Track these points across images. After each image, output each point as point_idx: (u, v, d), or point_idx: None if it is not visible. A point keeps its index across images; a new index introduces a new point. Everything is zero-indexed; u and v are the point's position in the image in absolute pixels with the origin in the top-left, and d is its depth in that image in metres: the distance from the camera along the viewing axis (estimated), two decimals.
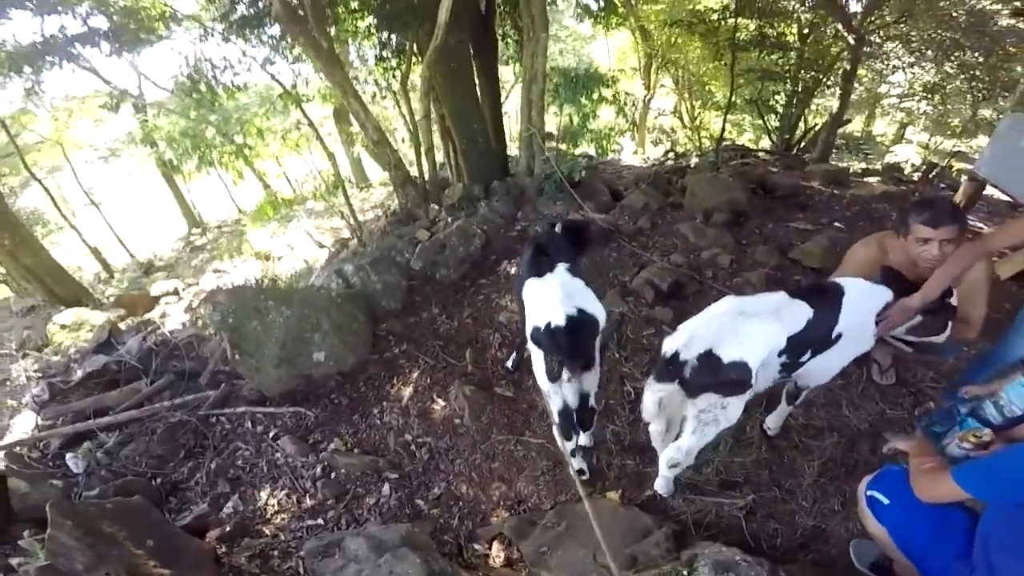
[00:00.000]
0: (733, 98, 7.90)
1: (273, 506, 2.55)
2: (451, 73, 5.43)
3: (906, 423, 2.45)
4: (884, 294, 1.85)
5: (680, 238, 4.30)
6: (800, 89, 8.03)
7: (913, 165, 8.20)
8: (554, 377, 1.91)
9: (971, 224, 4.88)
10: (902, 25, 6.81)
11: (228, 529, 2.35)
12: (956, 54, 6.79)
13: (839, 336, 1.79)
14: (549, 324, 1.90)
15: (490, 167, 6.11)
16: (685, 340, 1.64)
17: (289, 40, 5.92)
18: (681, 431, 1.87)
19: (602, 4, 7.98)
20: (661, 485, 2.17)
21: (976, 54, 6.62)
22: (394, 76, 6.95)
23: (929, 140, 10.61)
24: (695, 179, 5.23)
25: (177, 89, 7.23)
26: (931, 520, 1.43)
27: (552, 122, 6.44)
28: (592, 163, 6.16)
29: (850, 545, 1.90)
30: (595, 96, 5.66)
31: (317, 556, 2.00)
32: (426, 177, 6.15)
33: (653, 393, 1.70)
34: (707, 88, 10.74)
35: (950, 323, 1.90)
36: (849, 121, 9.42)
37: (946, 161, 7.75)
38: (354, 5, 6.06)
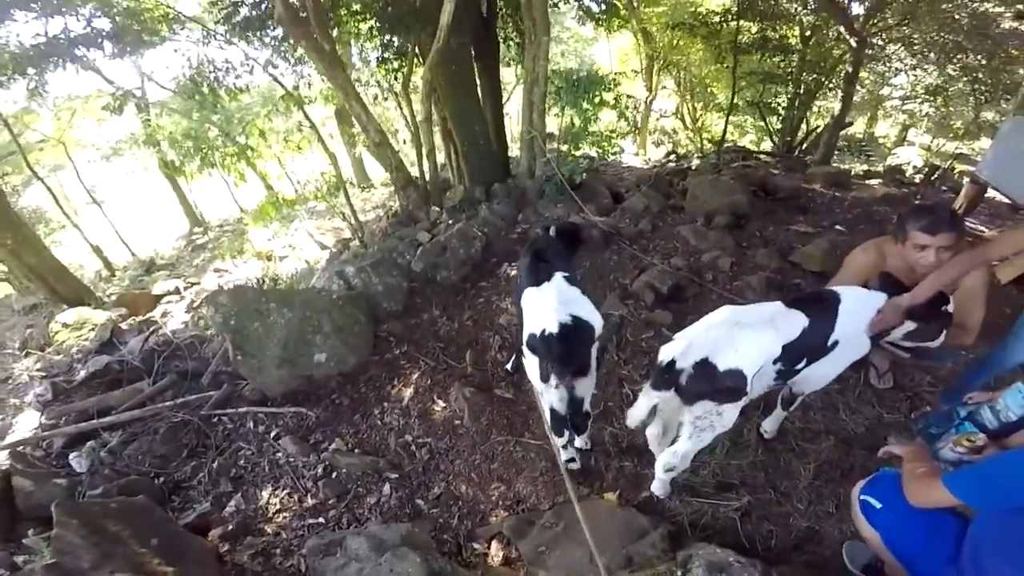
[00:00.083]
0: (735, 100, 7.92)
1: (275, 505, 2.57)
2: (453, 76, 5.47)
3: (902, 427, 2.47)
4: (881, 301, 1.86)
5: (681, 241, 4.32)
6: (802, 91, 8.04)
7: (915, 167, 8.20)
8: (545, 378, 1.94)
9: (972, 227, 4.91)
10: (904, 28, 6.82)
11: (230, 528, 2.38)
12: (959, 57, 6.80)
13: (835, 344, 1.81)
14: (544, 331, 1.92)
15: (491, 169, 6.14)
16: (682, 349, 1.66)
17: (291, 42, 5.96)
18: (677, 435, 1.89)
19: (604, 7, 8.00)
20: (658, 487, 2.19)
21: (979, 57, 6.63)
22: (396, 78, 6.98)
23: (931, 142, 10.61)
24: (696, 181, 5.25)
25: (180, 90, 7.27)
26: (923, 525, 1.44)
27: (553, 123, 6.47)
28: (593, 165, 6.17)
29: (843, 547, 1.92)
30: (596, 100, 5.68)
31: (319, 555, 2.02)
32: (427, 179, 6.18)
33: (648, 400, 1.72)
34: (709, 90, 10.76)
35: (944, 330, 1.92)
36: (851, 123, 9.43)
37: (948, 163, 7.76)
38: (356, 7, 6.09)
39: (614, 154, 7.69)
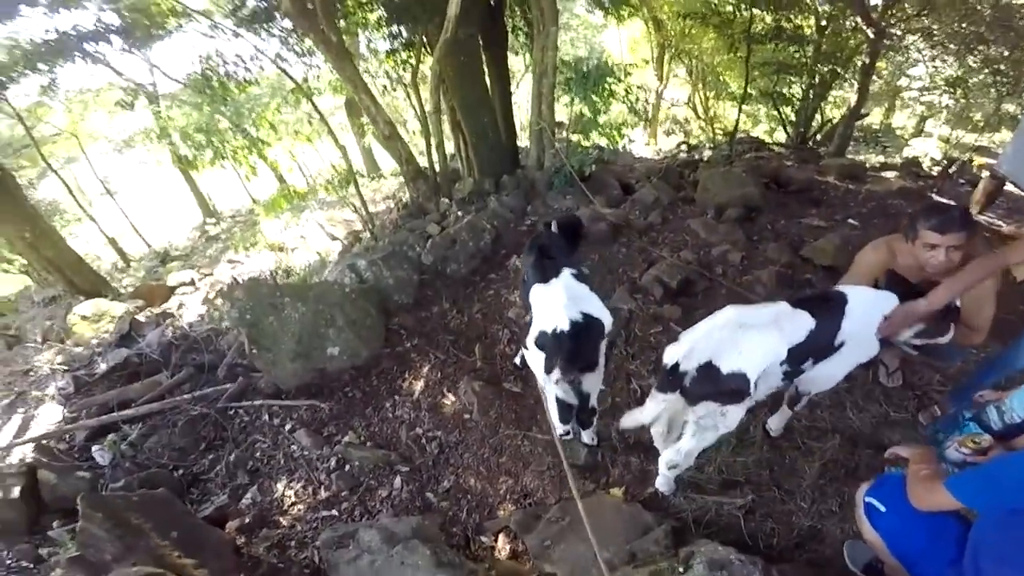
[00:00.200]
0: (748, 90, 7.79)
1: (290, 497, 2.64)
2: (461, 66, 5.44)
3: (909, 426, 2.47)
4: (889, 300, 1.85)
5: (691, 234, 4.29)
6: (817, 82, 7.88)
7: (933, 159, 8.03)
8: (549, 370, 1.97)
9: (990, 222, 4.82)
10: (924, 18, 6.65)
11: (247, 520, 2.45)
12: (980, 48, 6.63)
13: (842, 344, 1.81)
14: (556, 329, 1.94)
15: (500, 160, 6.13)
16: (685, 351, 1.67)
17: (299, 34, 5.95)
18: (682, 433, 1.91)
19: None
20: (662, 483, 2.22)
21: (1001, 48, 6.46)
22: (404, 68, 6.96)
23: (950, 134, 10.37)
24: (707, 173, 5.20)
25: (190, 83, 7.31)
26: (926, 528, 1.45)
27: (563, 112, 6.41)
28: (603, 156, 6.13)
29: (844, 546, 1.93)
30: (606, 92, 5.62)
31: (332, 547, 2.08)
32: (437, 170, 6.18)
33: (656, 403, 1.74)
34: (721, 79, 10.58)
35: (952, 325, 1.90)
36: (867, 114, 9.24)
37: (967, 155, 7.60)
38: None
39: (624, 146, 7.63)
